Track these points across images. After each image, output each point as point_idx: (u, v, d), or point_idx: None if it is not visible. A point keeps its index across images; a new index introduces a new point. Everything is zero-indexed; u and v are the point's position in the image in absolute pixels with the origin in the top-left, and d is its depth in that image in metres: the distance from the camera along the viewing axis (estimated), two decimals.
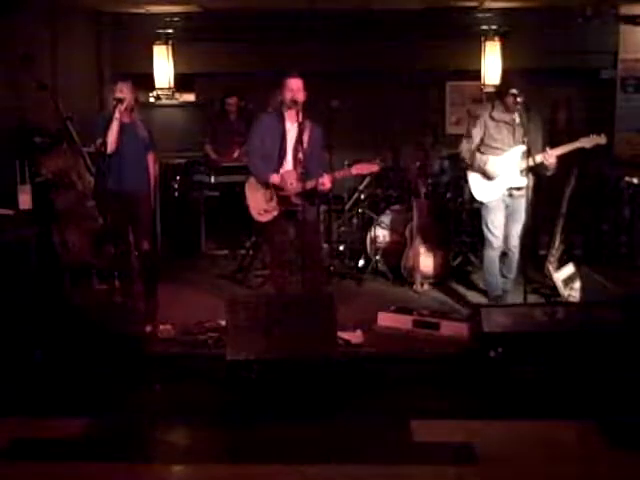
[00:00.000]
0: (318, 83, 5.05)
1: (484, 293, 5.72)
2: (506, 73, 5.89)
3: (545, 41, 7.67)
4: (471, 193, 5.43)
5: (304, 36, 7.71)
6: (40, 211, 5.59)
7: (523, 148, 5.00)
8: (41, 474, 3.30)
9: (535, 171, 5.07)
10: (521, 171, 5.11)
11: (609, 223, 6.79)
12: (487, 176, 5.21)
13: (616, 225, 6.69)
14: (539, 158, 4.93)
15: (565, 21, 7.51)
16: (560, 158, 5.01)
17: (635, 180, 6.34)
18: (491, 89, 7.24)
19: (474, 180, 5.30)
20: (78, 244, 5.73)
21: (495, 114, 5.16)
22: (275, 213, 4.89)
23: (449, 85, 8.26)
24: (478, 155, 5.21)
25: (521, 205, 5.21)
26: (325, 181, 4.72)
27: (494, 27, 7.76)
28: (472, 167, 5.29)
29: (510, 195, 5.21)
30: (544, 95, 7.92)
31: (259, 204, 4.93)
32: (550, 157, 4.94)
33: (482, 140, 5.20)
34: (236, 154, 6.87)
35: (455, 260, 6.36)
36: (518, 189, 5.17)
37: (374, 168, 4.95)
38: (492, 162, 5.16)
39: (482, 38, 7.79)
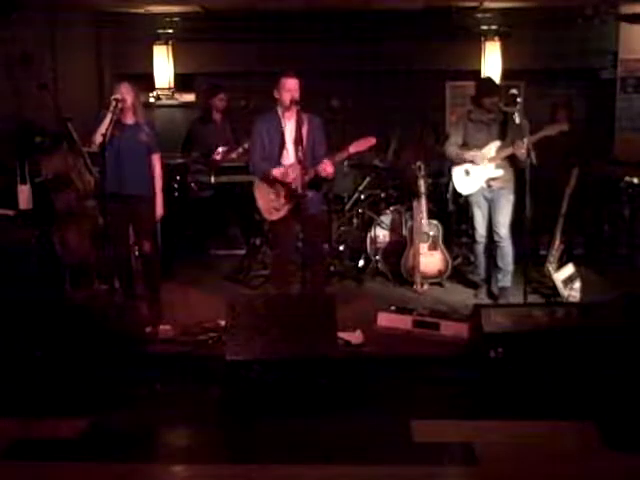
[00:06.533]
0: (318, 83, 5.06)
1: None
2: (479, 82, 6.04)
3: (545, 41, 7.67)
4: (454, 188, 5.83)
5: (304, 36, 7.72)
6: (40, 211, 5.59)
7: (498, 143, 5.42)
8: (41, 474, 3.30)
9: (514, 163, 5.39)
10: (496, 164, 5.45)
11: (609, 223, 6.78)
12: (467, 170, 5.56)
13: (616, 225, 6.69)
14: (510, 150, 5.28)
15: (565, 21, 7.52)
16: (538, 148, 5.18)
17: (635, 180, 6.34)
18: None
19: (456, 175, 5.68)
20: (78, 244, 5.73)
21: (473, 115, 5.57)
22: (285, 210, 4.89)
23: (449, 85, 8.26)
24: (460, 150, 5.58)
25: (502, 196, 5.51)
26: (326, 166, 4.72)
27: (494, 27, 7.77)
28: (456, 164, 5.65)
29: (489, 187, 5.51)
30: (544, 95, 7.93)
31: (269, 203, 4.93)
32: (519, 148, 5.15)
33: (464, 140, 5.58)
34: (220, 157, 6.81)
35: (455, 260, 6.35)
36: (494, 179, 5.48)
37: (371, 142, 4.86)
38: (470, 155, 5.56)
39: (482, 38, 7.80)
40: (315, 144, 4.87)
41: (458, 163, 5.62)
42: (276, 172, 4.82)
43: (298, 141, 4.69)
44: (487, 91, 5.51)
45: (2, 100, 6.01)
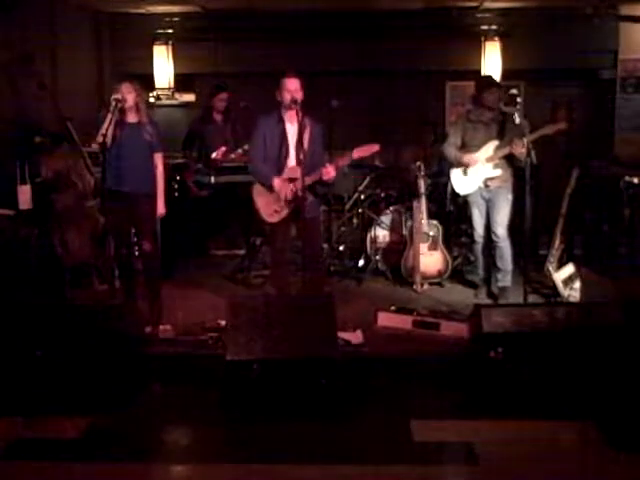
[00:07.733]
0: (318, 83, 5.07)
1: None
2: (479, 79, 6.04)
3: (545, 41, 7.68)
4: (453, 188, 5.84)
5: (304, 36, 7.72)
6: (40, 211, 5.60)
7: (496, 143, 5.43)
8: (41, 474, 3.30)
9: (512, 163, 5.42)
10: (494, 163, 5.45)
11: (609, 223, 6.78)
12: (465, 169, 5.57)
13: (616, 225, 6.68)
14: (508, 149, 5.29)
15: (565, 21, 7.53)
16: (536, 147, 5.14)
17: (635, 180, 6.33)
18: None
19: (455, 175, 5.68)
20: (78, 244, 5.73)
21: (472, 115, 5.58)
22: (285, 212, 4.88)
23: (449, 85, 8.27)
24: (458, 152, 5.58)
25: (500, 195, 5.52)
26: (329, 170, 4.72)
27: (494, 27, 7.79)
28: (454, 164, 5.66)
29: (487, 186, 5.52)
30: (544, 95, 7.94)
31: (269, 205, 4.90)
32: (517, 147, 5.17)
33: (462, 140, 5.59)
34: (219, 157, 6.81)
35: (455, 260, 6.35)
36: (492, 179, 5.49)
37: (374, 148, 4.87)
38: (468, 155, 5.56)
39: (482, 38, 7.81)
40: (315, 150, 4.87)
41: (456, 164, 5.61)
42: (276, 183, 4.82)
43: (299, 144, 4.70)
44: (487, 86, 5.50)
45: (2, 100, 6.01)
